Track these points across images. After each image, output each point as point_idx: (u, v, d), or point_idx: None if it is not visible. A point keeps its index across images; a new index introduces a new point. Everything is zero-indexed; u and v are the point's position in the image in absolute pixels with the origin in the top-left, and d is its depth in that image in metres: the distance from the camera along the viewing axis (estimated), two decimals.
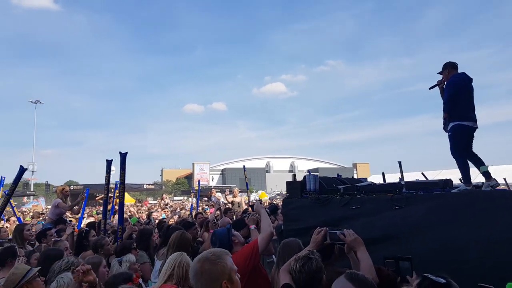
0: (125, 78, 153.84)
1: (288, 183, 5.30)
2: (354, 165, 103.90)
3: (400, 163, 7.93)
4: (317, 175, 5.30)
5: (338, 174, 7.15)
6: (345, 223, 3.93)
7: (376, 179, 5.92)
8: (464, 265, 3.07)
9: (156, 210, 11.86)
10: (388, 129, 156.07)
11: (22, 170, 5.17)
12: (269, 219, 3.45)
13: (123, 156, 5.53)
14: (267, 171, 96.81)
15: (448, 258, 3.21)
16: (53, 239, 4.67)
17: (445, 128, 4.49)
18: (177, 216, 9.46)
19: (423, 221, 3.59)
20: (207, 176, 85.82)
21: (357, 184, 4.90)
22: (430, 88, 4.83)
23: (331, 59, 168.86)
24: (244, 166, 13.09)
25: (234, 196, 11.53)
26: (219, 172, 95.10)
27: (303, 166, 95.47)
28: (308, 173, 5.05)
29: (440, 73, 4.73)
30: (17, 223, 8.90)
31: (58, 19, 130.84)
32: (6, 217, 11.66)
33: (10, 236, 6.19)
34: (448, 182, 4.18)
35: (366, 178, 6.17)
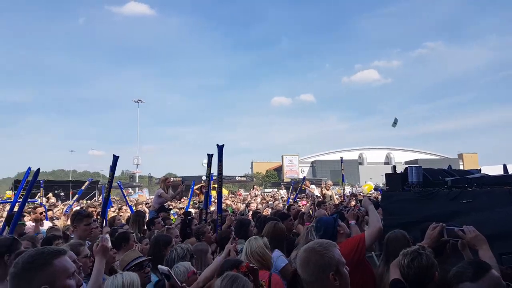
0: (216, 75, 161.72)
1: (387, 175, 5.05)
2: (460, 156, 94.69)
3: None
4: (420, 166, 4.93)
5: (449, 166, 6.46)
6: (455, 218, 3.59)
7: (488, 171, 5.24)
8: None
9: (252, 201, 12.24)
10: (498, 115, 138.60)
11: (115, 159, 5.80)
12: (378, 215, 3.32)
13: (220, 148, 5.77)
14: (360, 163, 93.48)
15: None
16: (166, 226, 5.08)
17: None
18: (270, 208, 9.63)
19: None
20: (296, 168, 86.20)
21: (468, 176, 4.42)
22: None
23: (429, 41, 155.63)
24: (341, 157, 12.78)
25: (326, 189, 11.34)
26: (309, 165, 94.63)
27: (400, 158, 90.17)
28: (407, 166, 4.72)
29: None
30: (129, 211, 9.93)
31: (154, 23, 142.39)
32: (119, 206, 13.08)
33: (123, 222, 6.93)
34: None
35: (479, 170, 5.52)
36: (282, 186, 35.22)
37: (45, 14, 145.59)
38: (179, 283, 1.41)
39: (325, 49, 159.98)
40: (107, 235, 3.02)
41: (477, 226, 3.37)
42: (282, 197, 17.32)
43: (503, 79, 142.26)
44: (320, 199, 9.98)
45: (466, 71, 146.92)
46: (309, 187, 12.97)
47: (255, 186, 20.55)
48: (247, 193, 24.17)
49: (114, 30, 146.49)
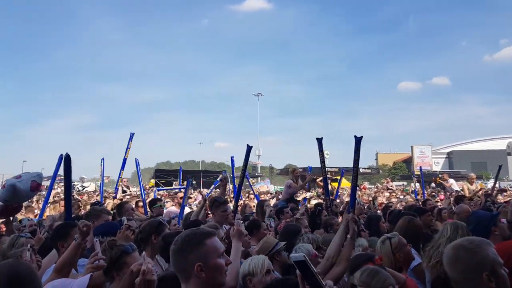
0: (336, 63, 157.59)
1: None
2: None
3: None
4: None
5: None
6: None
7: None
8: None
9: (381, 194, 11.64)
10: None
11: (249, 149, 6.00)
12: None
13: (358, 140, 5.52)
14: (508, 154, 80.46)
15: None
16: (295, 217, 5.19)
17: None
18: (403, 202, 9.00)
19: None
20: (429, 160, 78.61)
21: None
22: None
23: None
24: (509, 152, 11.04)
25: (470, 183, 10.03)
26: (444, 156, 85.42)
27: None
28: None
29: None
30: (255, 200, 10.51)
31: (272, 16, 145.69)
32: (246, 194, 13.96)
33: (253, 211, 7.32)
34: None
35: None
36: (415, 179, 32.66)
37: (172, 18, 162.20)
38: (314, 269, 1.38)
39: (461, 25, 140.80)
40: (241, 221, 3.23)
41: None
42: (413, 191, 16.03)
43: None
44: (461, 194, 8.89)
45: None
46: (446, 181, 11.67)
47: (387, 178, 19.43)
48: (372, 186, 23.12)
49: (234, 27, 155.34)
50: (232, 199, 8.23)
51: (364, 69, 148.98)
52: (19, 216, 6.30)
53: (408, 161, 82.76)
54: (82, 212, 7.02)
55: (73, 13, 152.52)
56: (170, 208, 8.26)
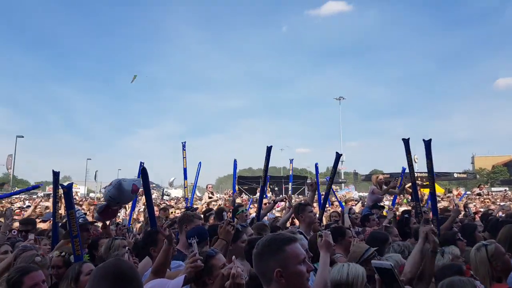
0: (423, 61, 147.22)
1: None
2: None
3: None
4: None
5: None
6: None
7: None
8: None
9: (473, 201, 10.73)
10: None
11: (338, 156, 5.97)
12: None
13: (427, 143, 5.29)
14: None
15: None
16: (384, 224, 5.10)
17: None
18: (504, 209, 8.21)
19: None
20: None
21: None
22: None
23: None
24: None
25: None
26: None
27: None
28: None
29: None
30: (339, 207, 10.38)
31: (352, 18, 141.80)
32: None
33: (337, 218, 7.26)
34: None
35: None
36: None
37: (252, 26, 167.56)
38: (400, 279, 1.42)
39: None
40: (329, 231, 3.25)
41: None
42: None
43: None
44: None
45: None
46: None
47: (480, 185, 17.78)
48: (469, 192, 21.25)
49: (314, 32, 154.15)
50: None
51: (455, 66, 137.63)
52: None
53: (510, 164, 74.05)
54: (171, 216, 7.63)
55: (160, 28, 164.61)
56: (252, 214, 8.58)
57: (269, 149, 6.21)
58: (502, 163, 77.38)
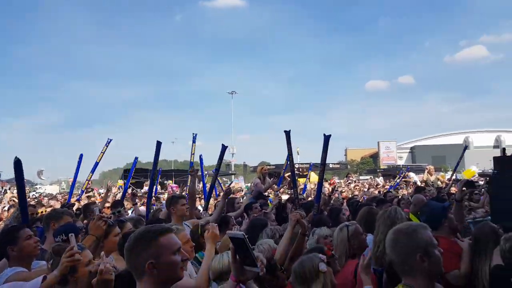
0: (310, 62, 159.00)
1: (496, 158, 4.65)
2: None
3: None
4: None
5: None
6: None
7: None
8: None
9: (345, 188, 12.11)
10: None
11: (224, 148, 6.14)
12: None
13: (327, 138, 5.78)
14: (465, 148, 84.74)
15: None
16: (263, 211, 5.38)
17: None
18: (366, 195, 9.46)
19: None
20: (394, 155, 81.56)
21: None
22: None
23: None
24: (465, 146, 12.06)
25: (430, 174, 10.65)
26: (408, 151, 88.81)
27: (511, 140, 79.42)
28: None
29: None
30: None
31: (246, 14, 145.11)
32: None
33: None
34: None
35: None
36: (379, 173, 33.78)
37: (144, 14, 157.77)
38: (250, 246, 1.58)
39: (425, 26, 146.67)
40: (216, 224, 3.27)
41: None
42: (378, 184, 16.70)
43: None
44: (421, 186, 9.45)
45: None
46: (408, 175, 12.35)
47: (349, 173, 20.10)
48: (341, 181, 23.81)
49: (208, 24, 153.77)
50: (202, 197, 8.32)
51: (336, 67, 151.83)
52: None
53: (375, 156, 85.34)
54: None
55: (38, 4, 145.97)
56: (139, 208, 8.25)
57: (158, 144, 6.09)
58: (369, 155, 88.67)
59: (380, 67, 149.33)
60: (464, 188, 3.80)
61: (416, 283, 1.83)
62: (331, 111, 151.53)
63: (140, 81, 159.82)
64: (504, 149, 5.05)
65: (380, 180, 21.05)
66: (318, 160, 6.25)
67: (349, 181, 17.01)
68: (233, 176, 38.00)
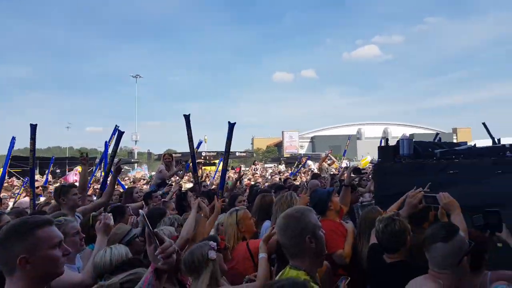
0: (220, 50, 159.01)
1: (380, 148, 5.12)
2: (454, 130, 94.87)
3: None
4: (412, 139, 5.00)
5: (439, 138, 6.36)
6: (442, 190, 3.67)
7: (481, 144, 5.38)
8: None
9: (249, 176, 12.40)
10: (497, 90, 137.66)
11: (120, 134, 5.81)
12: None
13: (231, 126, 5.77)
14: (358, 138, 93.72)
15: None
16: (162, 200, 5.21)
17: None
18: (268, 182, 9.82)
19: None
20: (296, 144, 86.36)
21: (456, 148, 4.50)
22: None
23: (431, 16, 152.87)
24: (349, 136, 13.13)
25: (325, 162, 11.49)
26: (309, 140, 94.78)
27: (397, 132, 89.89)
28: (399, 139, 4.78)
29: None
30: (120, 188, 10.11)
31: None
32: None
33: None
34: None
35: (466, 142, 5.61)
36: (282, 161, 35.43)
37: None
38: (151, 228, 1.47)
39: (327, 23, 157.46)
40: (110, 214, 3.08)
41: (464, 197, 3.51)
42: (280, 171, 17.52)
43: (502, 55, 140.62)
44: (316, 172, 10.14)
45: (466, 47, 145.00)
46: (305, 162, 13.19)
47: (255, 161, 20.67)
48: (247, 168, 24.40)
49: (112, 4, 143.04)
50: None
51: (246, 57, 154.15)
52: None
53: (279, 145, 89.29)
54: None
55: None
56: (23, 199, 7.41)
57: (33, 128, 5.53)
58: (274, 144, 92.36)
59: (286, 60, 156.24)
60: (352, 175, 4.13)
61: (304, 264, 1.92)
62: (240, 100, 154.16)
63: (32, 59, 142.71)
64: (387, 140, 5.60)
65: (282, 167, 22.11)
66: (221, 148, 6.31)
67: (255, 169, 17.49)
68: (136, 164, 36.33)
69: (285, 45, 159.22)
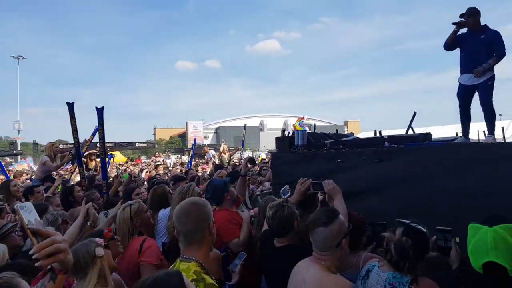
0: (115, 33, 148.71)
1: (277, 138, 5.32)
2: (346, 123, 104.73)
3: (414, 113, 7.52)
4: (305, 130, 5.30)
5: (336, 130, 7.11)
6: (331, 177, 3.95)
7: (366, 136, 6.01)
8: (437, 216, 3.11)
9: (148, 168, 11.89)
10: (381, 87, 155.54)
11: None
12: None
13: (100, 111, 5.38)
14: (260, 130, 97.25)
15: (423, 209, 3.25)
16: (45, 195, 4.69)
17: (481, 71, 4.16)
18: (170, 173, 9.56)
19: (403, 174, 3.62)
20: (201, 134, 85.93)
21: (343, 139, 4.91)
22: (453, 23, 4.40)
23: (325, 16, 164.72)
24: (245, 124, 13.34)
25: (223, 152, 11.61)
26: (213, 131, 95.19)
27: None
28: (295, 130, 5.03)
29: (464, 16, 4.36)
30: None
31: None
32: None
33: None
34: (428, 136, 4.22)
35: (352, 133, 6.18)
36: (186, 152, 34.90)
37: None
38: (26, 223, 1.28)
39: (231, 14, 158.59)
40: None
41: (349, 183, 3.83)
42: (183, 162, 17.24)
43: (386, 55, 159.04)
44: (219, 163, 10.19)
45: (355, 46, 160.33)
46: (208, 152, 13.17)
47: (156, 152, 19.86)
48: (148, 160, 23.46)
49: None
50: None
51: (146, 43, 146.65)
52: None
53: (183, 136, 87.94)
54: None
55: None
56: None
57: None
58: (177, 134, 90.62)
59: (190, 49, 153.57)
60: (248, 165, 4.21)
61: (200, 252, 1.95)
62: (140, 88, 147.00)
63: None
64: (283, 130, 5.86)
65: (186, 158, 21.77)
66: (123, 139, 5.91)
67: (157, 161, 16.88)
68: (19, 156, 32.28)
69: (189, 33, 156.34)
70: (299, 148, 4.92)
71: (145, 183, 8.10)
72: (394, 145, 4.05)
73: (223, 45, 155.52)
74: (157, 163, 14.59)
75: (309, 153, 4.66)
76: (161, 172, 10.19)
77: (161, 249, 3.07)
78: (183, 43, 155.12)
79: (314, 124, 6.99)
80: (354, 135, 6.38)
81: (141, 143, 37.19)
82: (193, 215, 1.97)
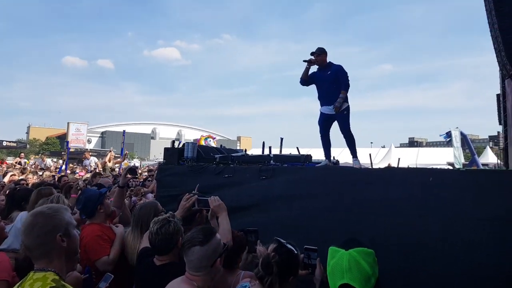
0: None
1: (166, 149, 5.17)
2: (238, 138, 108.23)
3: (281, 139, 8.16)
4: (196, 143, 5.24)
5: (221, 145, 7.20)
6: (218, 191, 3.96)
7: (258, 152, 6.19)
8: (312, 231, 3.35)
9: (10, 171, 10.30)
10: (272, 107, 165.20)
11: None
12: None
13: None
14: (152, 138, 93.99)
15: (302, 224, 3.48)
16: None
17: (338, 106, 4.50)
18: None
19: (284, 192, 3.82)
20: (84, 138, 78.89)
21: (232, 154, 4.99)
22: (304, 61, 4.85)
23: (227, 33, 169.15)
24: (124, 130, 12.52)
25: (109, 160, 10.82)
26: (99, 135, 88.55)
27: (190, 135, 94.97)
28: (185, 142, 4.94)
29: (314, 54, 4.77)
30: None
31: None
32: None
33: None
34: (308, 157, 4.56)
35: (243, 150, 6.34)
36: (64, 156, 31.64)
37: None
38: None
39: (130, 16, 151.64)
40: None
41: (235, 198, 3.89)
42: (48, 167, 15.55)
43: (279, 78, 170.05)
44: (98, 171, 9.43)
45: (252, 66, 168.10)
46: (88, 159, 12.14)
47: (21, 153, 17.22)
48: (14, 162, 20.56)
49: None
50: None
51: (28, 31, 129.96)
52: None
53: (63, 137, 79.82)
54: None
55: None
56: None
57: None
58: (56, 135, 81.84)
59: (80, 45, 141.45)
60: (128, 175, 3.97)
61: (53, 265, 1.75)
62: (18, 81, 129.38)
63: None
64: (173, 141, 5.69)
65: (49, 161, 19.73)
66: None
67: (19, 162, 14.80)
68: None
69: (81, 28, 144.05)
70: (188, 160, 4.84)
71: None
72: (279, 164, 4.26)
73: (119, 46, 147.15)
74: (25, 167, 12.81)
75: (198, 166, 4.62)
76: (31, 176, 8.97)
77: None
78: (74, 38, 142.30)
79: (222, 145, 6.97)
80: (246, 151, 6.54)
81: (10, 141, 32.52)
82: (38, 226, 1.75)
